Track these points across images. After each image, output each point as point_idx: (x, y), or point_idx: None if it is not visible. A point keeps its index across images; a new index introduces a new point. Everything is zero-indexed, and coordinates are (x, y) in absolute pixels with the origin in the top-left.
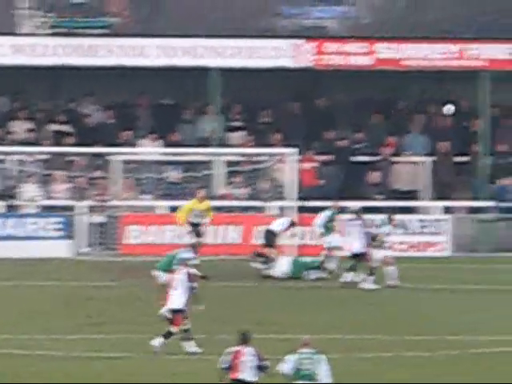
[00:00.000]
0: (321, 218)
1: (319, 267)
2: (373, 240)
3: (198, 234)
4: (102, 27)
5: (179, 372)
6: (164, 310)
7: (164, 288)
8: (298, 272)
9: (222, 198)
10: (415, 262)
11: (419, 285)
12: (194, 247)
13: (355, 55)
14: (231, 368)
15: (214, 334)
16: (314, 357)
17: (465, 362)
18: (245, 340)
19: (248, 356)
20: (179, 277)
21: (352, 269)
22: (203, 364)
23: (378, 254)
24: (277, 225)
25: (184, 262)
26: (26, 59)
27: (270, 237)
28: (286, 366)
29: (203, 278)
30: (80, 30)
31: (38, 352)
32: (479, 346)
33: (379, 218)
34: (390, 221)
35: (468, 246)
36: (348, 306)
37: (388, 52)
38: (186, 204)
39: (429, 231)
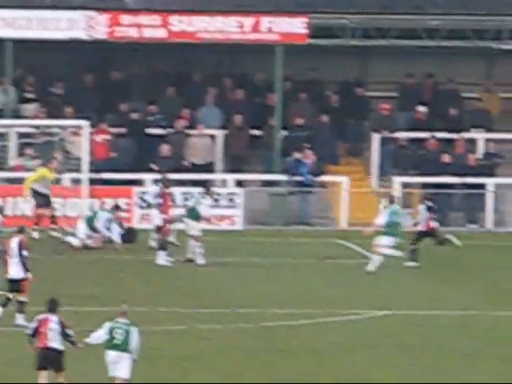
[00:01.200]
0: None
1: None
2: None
3: (47, 204)
4: None
5: None
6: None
7: None
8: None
9: (14, 169)
10: (208, 236)
11: (213, 258)
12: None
13: (149, 28)
14: (37, 336)
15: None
16: (128, 327)
17: (255, 334)
18: (52, 308)
19: (53, 324)
20: (12, 245)
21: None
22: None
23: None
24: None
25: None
26: None
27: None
28: (100, 332)
29: None
30: None
31: None
32: (270, 319)
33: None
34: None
35: (260, 219)
36: (142, 278)
37: (182, 25)
38: (38, 172)
39: (222, 204)
